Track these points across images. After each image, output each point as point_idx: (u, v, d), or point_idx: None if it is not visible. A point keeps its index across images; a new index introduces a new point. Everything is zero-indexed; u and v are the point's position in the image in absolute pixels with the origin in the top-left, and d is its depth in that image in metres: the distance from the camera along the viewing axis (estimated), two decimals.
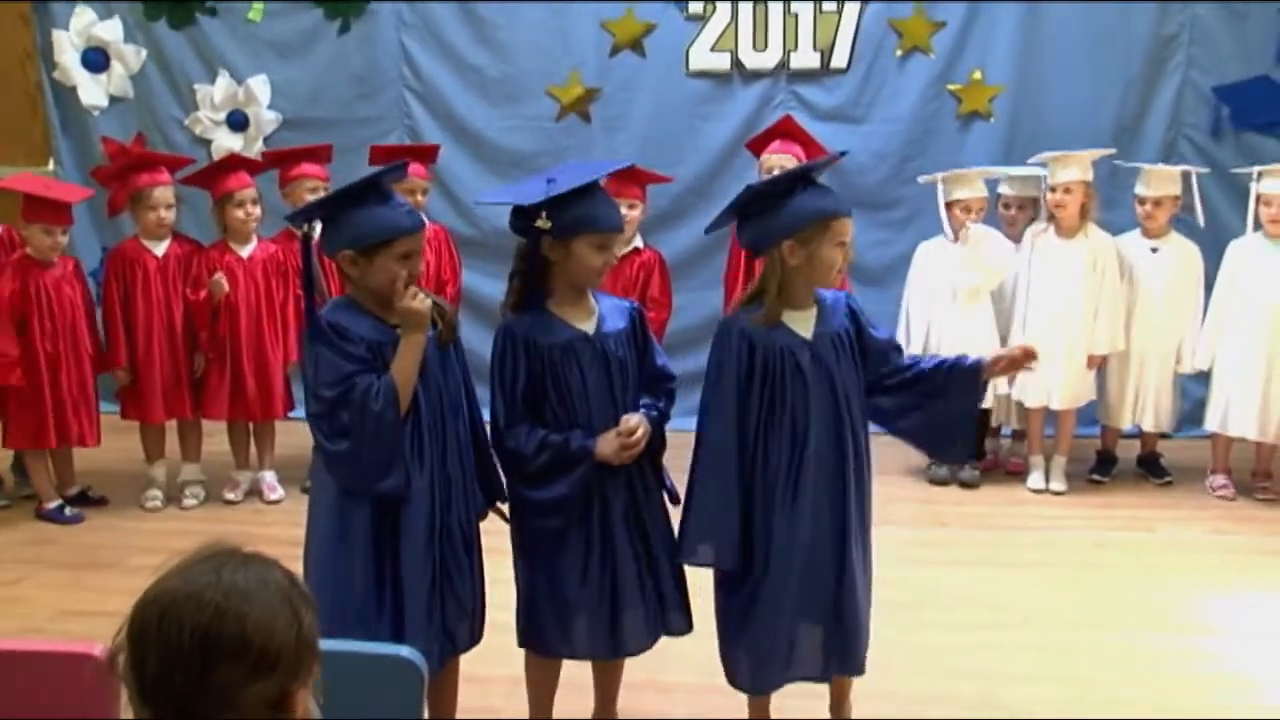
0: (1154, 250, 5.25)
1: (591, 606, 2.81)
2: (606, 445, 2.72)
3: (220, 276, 4.96)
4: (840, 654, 2.84)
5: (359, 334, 2.59)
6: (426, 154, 5.54)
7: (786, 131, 5.37)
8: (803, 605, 2.78)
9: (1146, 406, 5.30)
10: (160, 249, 5.04)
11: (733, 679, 2.89)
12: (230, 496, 5.19)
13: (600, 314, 2.83)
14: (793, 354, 2.73)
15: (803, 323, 2.77)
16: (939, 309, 5.30)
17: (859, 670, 2.91)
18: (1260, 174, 5.07)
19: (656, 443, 2.86)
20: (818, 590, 2.77)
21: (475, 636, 2.83)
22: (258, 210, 5.09)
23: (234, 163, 5.27)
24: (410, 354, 2.60)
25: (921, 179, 5.40)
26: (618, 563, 2.81)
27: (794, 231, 2.69)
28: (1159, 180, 5.21)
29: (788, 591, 2.76)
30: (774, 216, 2.71)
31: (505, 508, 2.89)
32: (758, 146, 5.37)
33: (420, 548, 2.63)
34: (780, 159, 5.19)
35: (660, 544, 2.88)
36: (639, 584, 2.84)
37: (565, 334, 2.76)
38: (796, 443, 2.73)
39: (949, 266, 5.27)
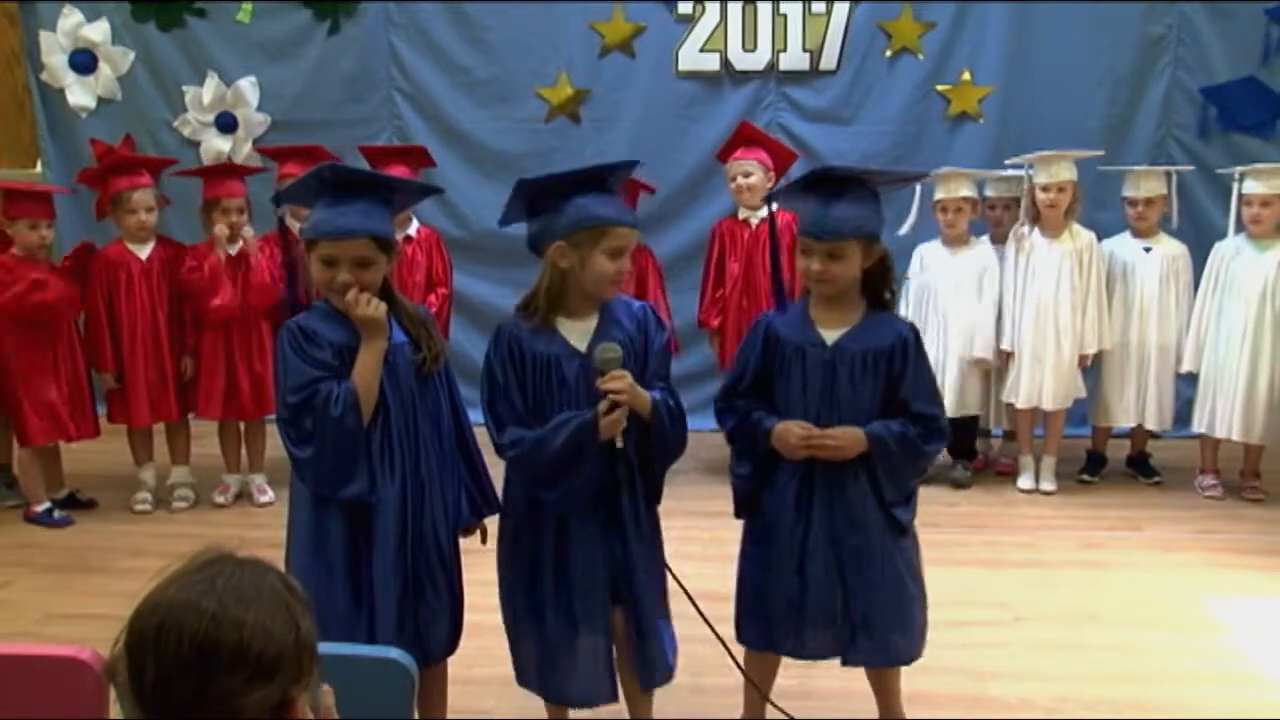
0: (1147, 250, 5.27)
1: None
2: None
3: (222, 229, 4.95)
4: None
5: (328, 338, 2.57)
6: (414, 155, 5.52)
7: (748, 137, 5.38)
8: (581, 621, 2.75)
9: (1148, 405, 5.32)
10: (144, 252, 5.02)
11: None
12: (219, 499, 5.18)
13: None
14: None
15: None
16: (936, 313, 5.32)
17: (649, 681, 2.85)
18: (1242, 174, 5.09)
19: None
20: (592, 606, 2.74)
21: (452, 645, 2.80)
22: (244, 219, 5.07)
23: (224, 170, 5.27)
24: (369, 360, 2.57)
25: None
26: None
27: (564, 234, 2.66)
28: (1147, 181, 5.24)
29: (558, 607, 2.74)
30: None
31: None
32: (724, 155, 5.38)
33: (390, 553, 2.61)
34: (744, 165, 5.22)
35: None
36: None
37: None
38: None
39: (946, 270, 5.29)
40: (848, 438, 2.70)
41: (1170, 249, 5.30)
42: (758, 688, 2.98)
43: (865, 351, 2.74)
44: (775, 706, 2.97)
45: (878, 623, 2.81)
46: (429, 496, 2.68)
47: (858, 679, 3.01)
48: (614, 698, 2.83)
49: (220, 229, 4.95)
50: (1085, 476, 5.45)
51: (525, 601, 2.78)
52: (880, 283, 2.80)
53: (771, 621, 2.86)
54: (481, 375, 2.74)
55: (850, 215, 2.67)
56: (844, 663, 2.88)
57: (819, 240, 2.69)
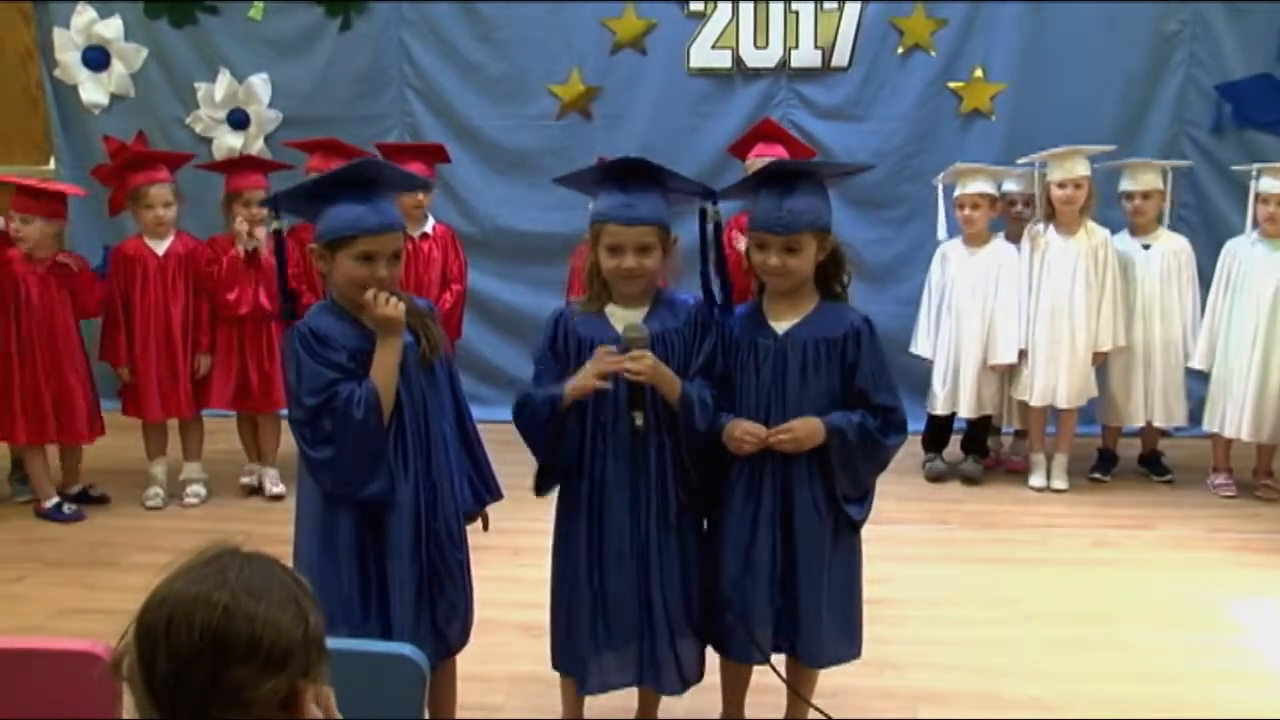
0: (1146, 247, 5.26)
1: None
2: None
3: (242, 224, 4.96)
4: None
5: (340, 341, 2.57)
6: (431, 152, 5.51)
7: (768, 133, 5.33)
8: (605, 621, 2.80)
9: (1156, 403, 5.29)
10: (161, 247, 5.04)
11: None
12: (246, 480, 5.26)
13: None
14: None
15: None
16: (950, 313, 5.30)
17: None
18: (1260, 172, 5.05)
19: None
20: (620, 603, 2.78)
21: (464, 637, 2.82)
22: (264, 212, 5.08)
23: (247, 163, 5.30)
24: (387, 358, 2.57)
25: (936, 180, 5.38)
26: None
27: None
28: (1144, 174, 5.22)
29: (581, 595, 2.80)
30: None
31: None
32: (742, 150, 5.32)
33: (406, 552, 2.62)
34: (765, 163, 5.15)
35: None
36: None
37: None
38: None
39: (964, 269, 5.27)
40: (806, 429, 2.70)
41: (1171, 244, 5.28)
42: (806, 699, 2.97)
43: (817, 340, 2.74)
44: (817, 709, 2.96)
45: (818, 623, 2.80)
46: (441, 494, 2.69)
47: (840, 675, 2.99)
48: (641, 681, 2.87)
49: (240, 225, 4.97)
50: (1097, 475, 5.43)
51: (566, 582, 2.83)
52: (832, 275, 2.81)
53: (725, 619, 2.86)
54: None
55: (805, 208, 2.69)
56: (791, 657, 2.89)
57: (776, 234, 2.70)
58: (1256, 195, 5.03)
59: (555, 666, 2.93)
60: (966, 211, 5.23)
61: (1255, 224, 5.09)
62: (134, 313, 5.00)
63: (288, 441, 5.25)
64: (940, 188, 5.32)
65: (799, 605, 2.79)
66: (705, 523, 2.90)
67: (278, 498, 5.15)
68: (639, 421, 2.65)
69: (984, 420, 5.43)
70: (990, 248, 5.29)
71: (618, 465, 2.74)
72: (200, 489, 5.19)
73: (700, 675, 2.91)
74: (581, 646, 2.81)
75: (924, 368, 5.42)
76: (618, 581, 2.76)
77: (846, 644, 2.89)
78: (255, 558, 1.37)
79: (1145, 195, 5.22)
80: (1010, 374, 5.33)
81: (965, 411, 5.33)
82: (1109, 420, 5.44)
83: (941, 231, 5.32)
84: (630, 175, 2.76)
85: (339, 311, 2.62)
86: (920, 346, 5.38)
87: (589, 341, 2.73)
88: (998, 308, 5.22)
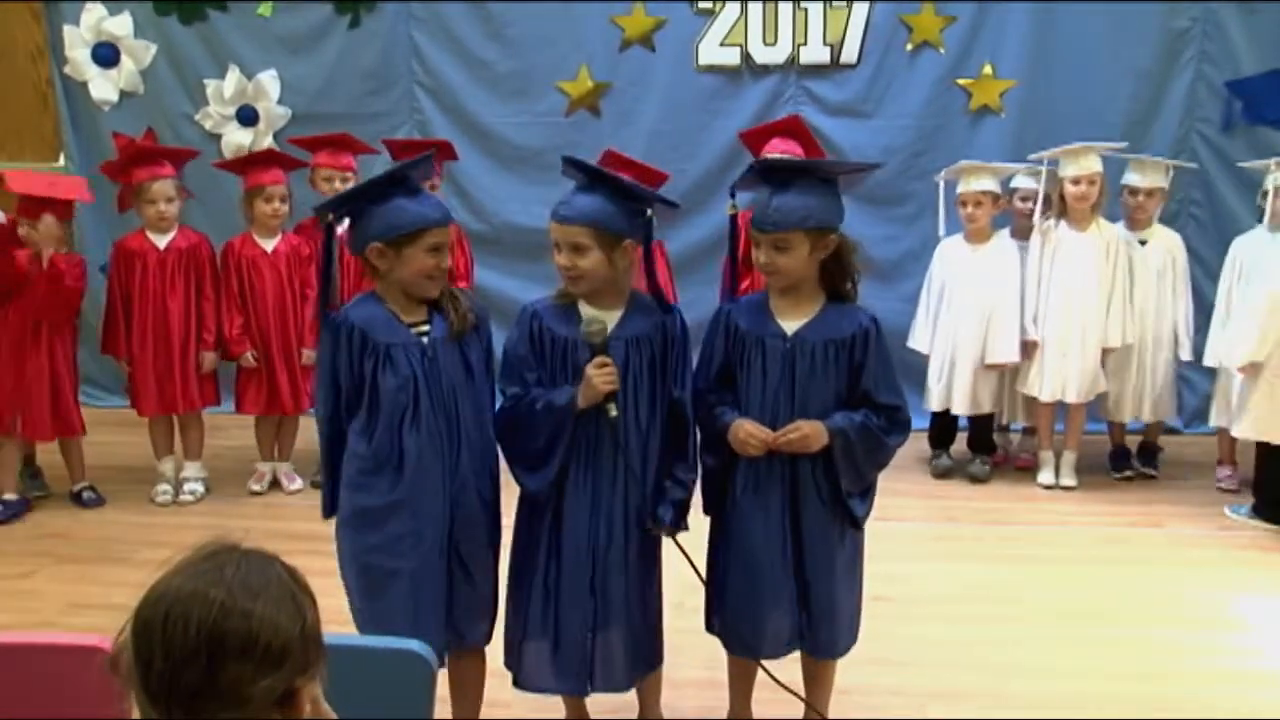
0: (1142, 243, 5.25)
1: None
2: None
3: (250, 355, 5.08)
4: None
5: (382, 341, 2.63)
6: (439, 150, 5.51)
7: (790, 129, 5.29)
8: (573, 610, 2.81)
9: (1146, 400, 5.29)
10: (163, 242, 5.05)
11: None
12: (255, 487, 5.24)
13: None
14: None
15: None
16: (949, 310, 5.29)
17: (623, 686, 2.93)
18: (1276, 165, 4.98)
19: None
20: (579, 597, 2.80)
21: (488, 634, 2.86)
22: (285, 207, 5.12)
23: (268, 157, 5.32)
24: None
25: (938, 177, 5.37)
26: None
27: None
28: (1154, 170, 5.21)
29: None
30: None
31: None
32: (757, 141, 5.28)
33: (436, 546, 2.67)
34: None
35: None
36: None
37: None
38: None
39: (964, 267, 5.26)
40: (813, 429, 2.70)
41: (1165, 241, 5.28)
42: (799, 695, 2.98)
43: (825, 342, 2.74)
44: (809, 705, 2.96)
45: (832, 617, 2.83)
46: (468, 490, 2.73)
47: (848, 673, 2.99)
48: (583, 691, 2.88)
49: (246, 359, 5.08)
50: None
51: (522, 578, 2.84)
52: (836, 275, 2.79)
53: (732, 614, 2.88)
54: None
55: (795, 207, 2.66)
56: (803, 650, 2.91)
57: (763, 232, 2.70)
58: (1276, 190, 4.94)
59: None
60: (969, 209, 5.22)
61: (1260, 217, 5.05)
62: (133, 307, 5.02)
63: (306, 440, 5.29)
64: (942, 185, 5.31)
65: (811, 602, 2.81)
66: (714, 518, 2.91)
67: (295, 493, 5.18)
68: (614, 412, 2.66)
69: (986, 419, 5.42)
70: (992, 245, 5.28)
71: (578, 465, 2.75)
72: (198, 487, 5.19)
73: (647, 673, 2.95)
74: (525, 640, 2.83)
75: (925, 364, 5.42)
76: (571, 578, 2.76)
77: (849, 635, 2.92)
78: (253, 555, 1.37)
79: (1149, 193, 5.21)
80: (1014, 371, 5.32)
81: (959, 409, 5.32)
82: (1111, 415, 5.42)
83: (942, 229, 5.31)
84: (580, 173, 2.80)
85: (380, 304, 2.68)
86: (917, 341, 5.39)
87: (563, 339, 2.75)
88: (998, 305, 5.21)
